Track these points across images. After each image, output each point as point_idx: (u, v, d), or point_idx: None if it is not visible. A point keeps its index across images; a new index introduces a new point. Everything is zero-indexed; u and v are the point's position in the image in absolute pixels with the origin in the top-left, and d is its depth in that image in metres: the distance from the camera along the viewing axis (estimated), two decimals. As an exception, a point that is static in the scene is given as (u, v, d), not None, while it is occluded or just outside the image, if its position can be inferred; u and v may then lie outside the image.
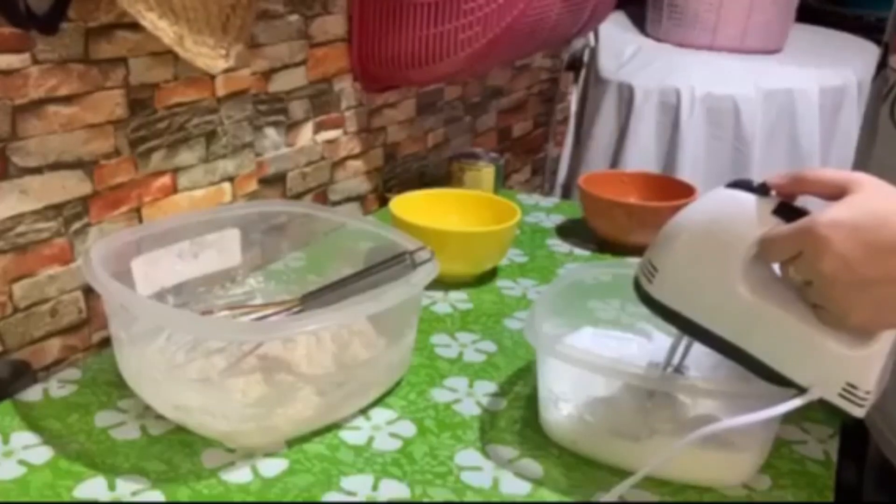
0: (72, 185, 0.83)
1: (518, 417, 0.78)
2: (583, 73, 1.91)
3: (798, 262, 0.57)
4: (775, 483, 0.71)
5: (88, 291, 0.87)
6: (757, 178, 0.61)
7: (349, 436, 0.74)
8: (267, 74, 1.05)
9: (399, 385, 0.82)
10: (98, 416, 0.74)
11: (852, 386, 0.58)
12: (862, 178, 0.56)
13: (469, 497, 0.67)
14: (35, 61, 0.77)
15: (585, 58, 1.89)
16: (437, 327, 0.94)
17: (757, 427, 0.66)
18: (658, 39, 1.94)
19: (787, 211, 0.58)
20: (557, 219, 1.30)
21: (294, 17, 1.07)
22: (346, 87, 1.19)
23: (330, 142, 1.19)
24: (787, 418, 0.71)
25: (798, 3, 1.93)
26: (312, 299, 0.80)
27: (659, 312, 0.64)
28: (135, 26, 0.83)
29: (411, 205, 1.07)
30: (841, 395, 0.59)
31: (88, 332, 0.89)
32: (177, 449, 0.71)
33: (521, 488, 0.68)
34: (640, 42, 1.92)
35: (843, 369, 0.59)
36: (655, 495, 0.68)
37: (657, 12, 1.94)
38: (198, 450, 0.71)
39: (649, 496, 0.68)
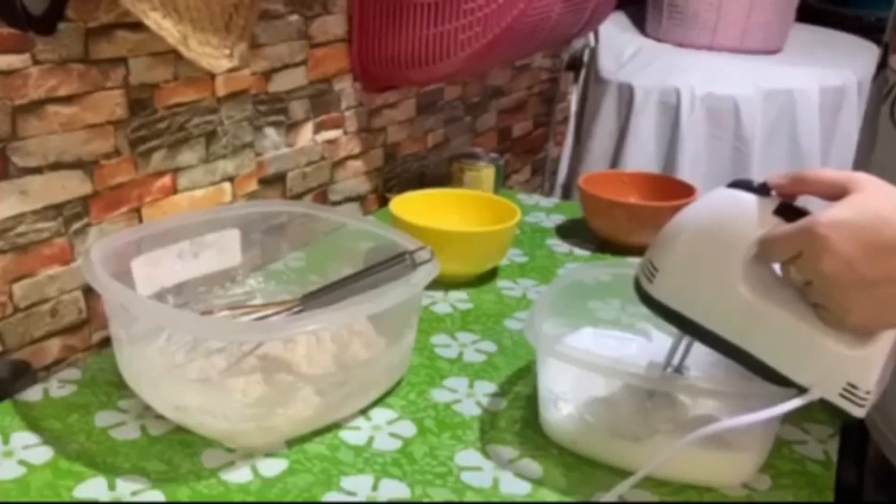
0: (72, 185, 0.83)
1: (518, 417, 0.78)
2: (583, 73, 1.91)
3: (798, 262, 0.57)
4: (775, 483, 0.71)
5: (88, 291, 0.87)
6: (757, 178, 0.61)
7: (349, 436, 0.74)
8: (267, 74, 1.05)
9: (399, 385, 0.82)
10: (98, 416, 0.74)
11: (853, 386, 0.58)
12: (862, 178, 0.56)
13: (469, 497, 0.67)
14: (35, 61, 0.77)
15: (585, 58, 1.89)
16: (437, 327, 0.94)
17: (757, 427, 0.66)
18: (658, 39, 1.94)
19: (788, 211, 0.58)
20: (557, 219, 1.30)
21: (294, 18, 1.07)
22: (346, 87, 1.19)
23: (330, 142, 1.19)
24: (787, 418, 0.71)
25: (798, 3, 1.93)
26: (312, 299, 0.80)
27: (659, 312, 0.64)
28: (135, 26, 0.83)
29: (411, 205, 1.07)
30: (841, 395, 0.59)
31: (88, 332, 0.89)
32: (177, 449, 0.71)
33: (521, 488, 0.68)
34: (640, 42, 1.92)
35: (844, 369, 0.59)
36: (655, 495, 0.68)
37: (657, 12, 1.94)
38: (198, 450, 0.71)
39: (649, 496, 0.68)
